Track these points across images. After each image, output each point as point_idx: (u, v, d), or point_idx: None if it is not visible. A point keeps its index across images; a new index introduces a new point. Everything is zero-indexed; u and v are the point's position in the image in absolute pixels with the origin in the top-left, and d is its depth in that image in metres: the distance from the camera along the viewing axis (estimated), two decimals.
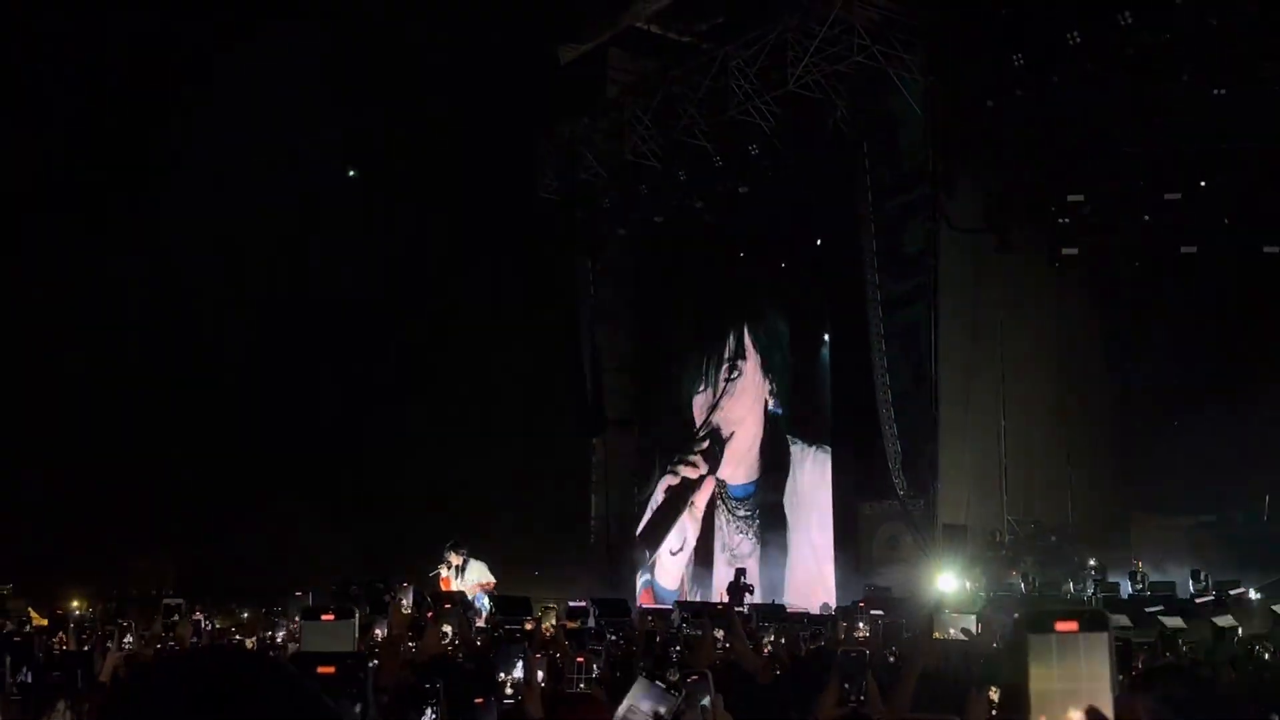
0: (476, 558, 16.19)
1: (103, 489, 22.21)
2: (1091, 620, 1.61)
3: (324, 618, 2.70)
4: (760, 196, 21.98)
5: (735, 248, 23.48)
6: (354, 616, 2.72)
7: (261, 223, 22.99)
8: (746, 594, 18.49)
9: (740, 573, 19.15)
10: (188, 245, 22.84)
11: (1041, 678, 1.60)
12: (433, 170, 23.43)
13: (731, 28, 21.20)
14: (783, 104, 20.40)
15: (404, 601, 6.85)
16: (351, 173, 25.35)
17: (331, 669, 2.08)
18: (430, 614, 8.86)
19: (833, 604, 18.71)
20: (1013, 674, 1.62)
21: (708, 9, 22.41)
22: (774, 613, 15.60)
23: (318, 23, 21.85)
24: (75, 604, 17.52)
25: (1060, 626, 1.65)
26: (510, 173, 24.19)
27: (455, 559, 15.93)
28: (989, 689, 3.74)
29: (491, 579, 16.12)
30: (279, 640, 9.29)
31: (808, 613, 17.77)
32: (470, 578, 15.91)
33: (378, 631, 6.30)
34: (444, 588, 15.92)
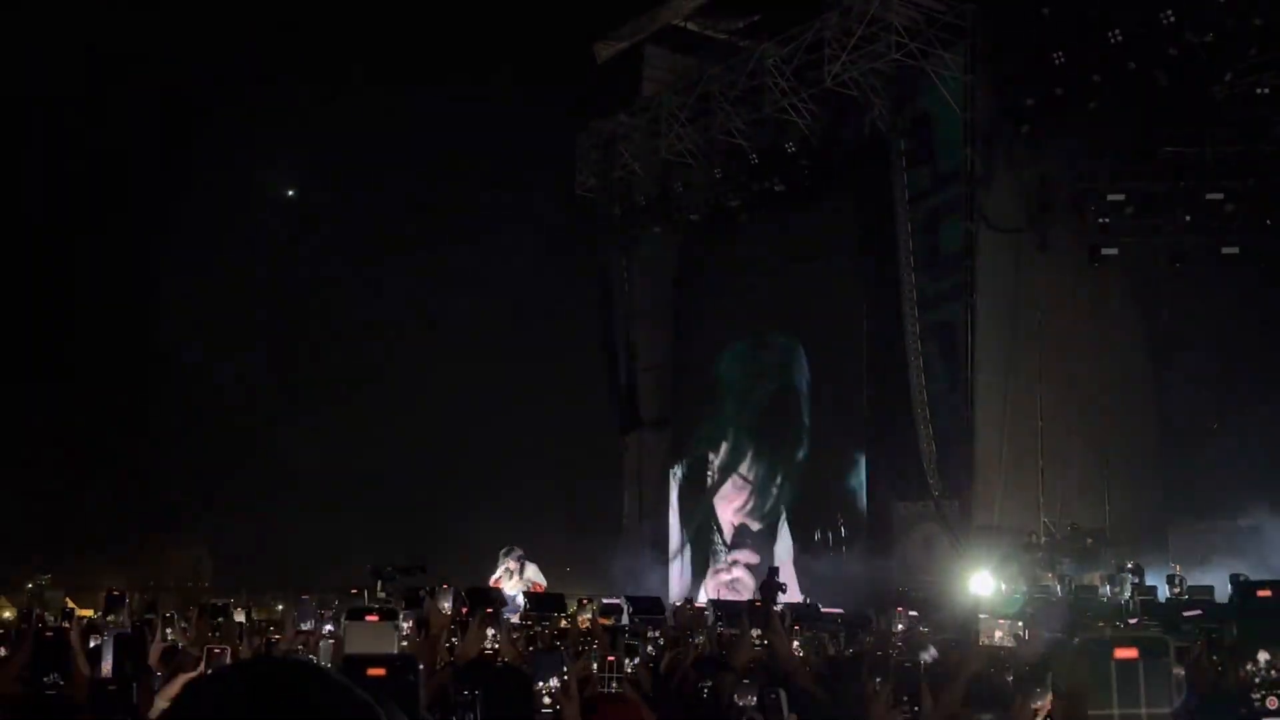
0: (531, 559, 16.51)
1: (140, 482, 22.43)
2: (1152, 646, 1.53)
3: (368, 618, 2.71)
4: (796, 195, 21.91)
5: (770, 246, 23.40)
6: (398, 617, 2.74)
7: (281, 224, 23.19)
8: (780, 592, 18.40)
9: (774, 571, 19.07)
10: (220, 240, 23.07)
11: (1100, 704, 1.55)
12: (470, 167, 23.50)
13: (769, 25, 21.14)
14: (820, 102, 20.34)
15: (444, 604, 6.84)
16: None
17: (382, 671, 2.08)
18: (465, 609, 8.88)
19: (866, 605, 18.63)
20: (1069, 701, 1.57)
21: (746, 6, 22.36)
22: (807, 612, 15.53)
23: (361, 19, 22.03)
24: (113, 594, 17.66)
25: (1120, 654, 1.58)
26: (547, 169, 24.25)
27: (512, 564, 16.29)
28: (1035, 694, 3.73)
29: (542, 581, 16.38)
30: (324, 633, 9.27)
31: (841, 612, 17.70)
32: (529, 576, 16.28)
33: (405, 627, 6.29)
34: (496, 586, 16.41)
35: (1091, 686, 1.60)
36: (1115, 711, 1.58)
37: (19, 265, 22.57)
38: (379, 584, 12.88)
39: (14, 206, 22.29)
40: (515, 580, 16.25)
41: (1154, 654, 1.68)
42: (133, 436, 23.00)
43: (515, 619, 12.16)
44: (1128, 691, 1.59)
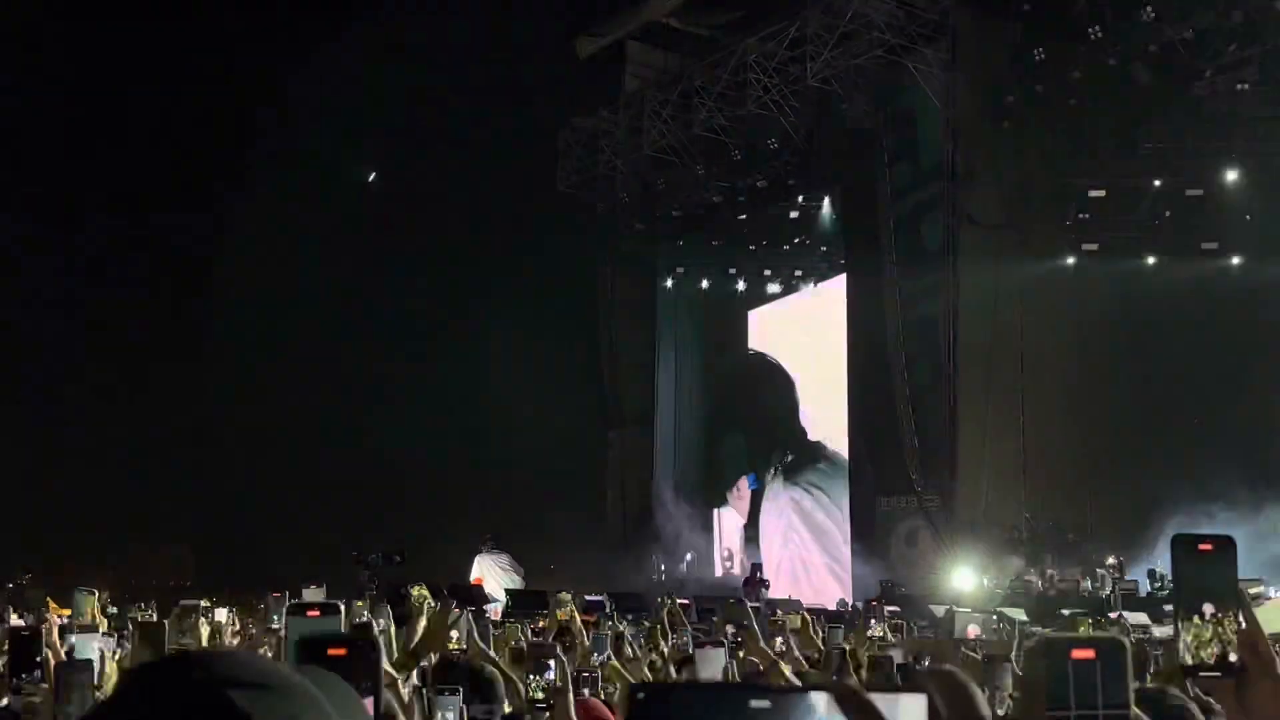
0: (487, 553, 16.86)
1: (122, 481, 22.34)
2: (1109, 648, 1.51)
3: (309, 614, 2.67)
4: (779, 191, 21.93)
5: (752, 241, 23.42)
6: (340, 613, 2.70)
7: (278, 222, 23.13)
8: (763, 589, 18.45)
9: (756, 567, 19.13)
10: (211, 248, 23.09)
11: (1057, 704, 1.54)
12: (452, 164, 23.43)
13: (751, 22, 21.14)
14: (802, 98, 20.34)
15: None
16: (371, 176, 25.43)
17: (342, 650, 2.03)
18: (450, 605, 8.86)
19: (849, 600, 18.68)
20: (1026, 699, 1.56)
21: (727, 3, 22.35)
22: (791, 608, 15.52)
23: (351, 27, 22.04)
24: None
25: (1076, 655, 1.56)
26: (530, 166, 24.19)
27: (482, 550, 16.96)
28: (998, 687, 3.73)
29: (481, 576, 16.79)
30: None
31: (825, 609, 17.75)
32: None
33: (380, 622, 6.24)
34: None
35: (1049, 687, 1.59)
36: (1072, 713, 1.57)
37: (11, 267, 22.49)
38: (364, 572, 12.96)
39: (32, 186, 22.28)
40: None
41: (1112, 655, 1.67)
42: (115, 435, 22.90)
43: (495, 616, 12.15)
44: (1085, 693, 1.58)
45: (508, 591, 15.10)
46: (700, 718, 0.85)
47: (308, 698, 1.26)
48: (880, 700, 0.82)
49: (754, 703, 0.87)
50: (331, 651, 1.98)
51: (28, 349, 22.57)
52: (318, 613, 2.63)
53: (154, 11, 21.71)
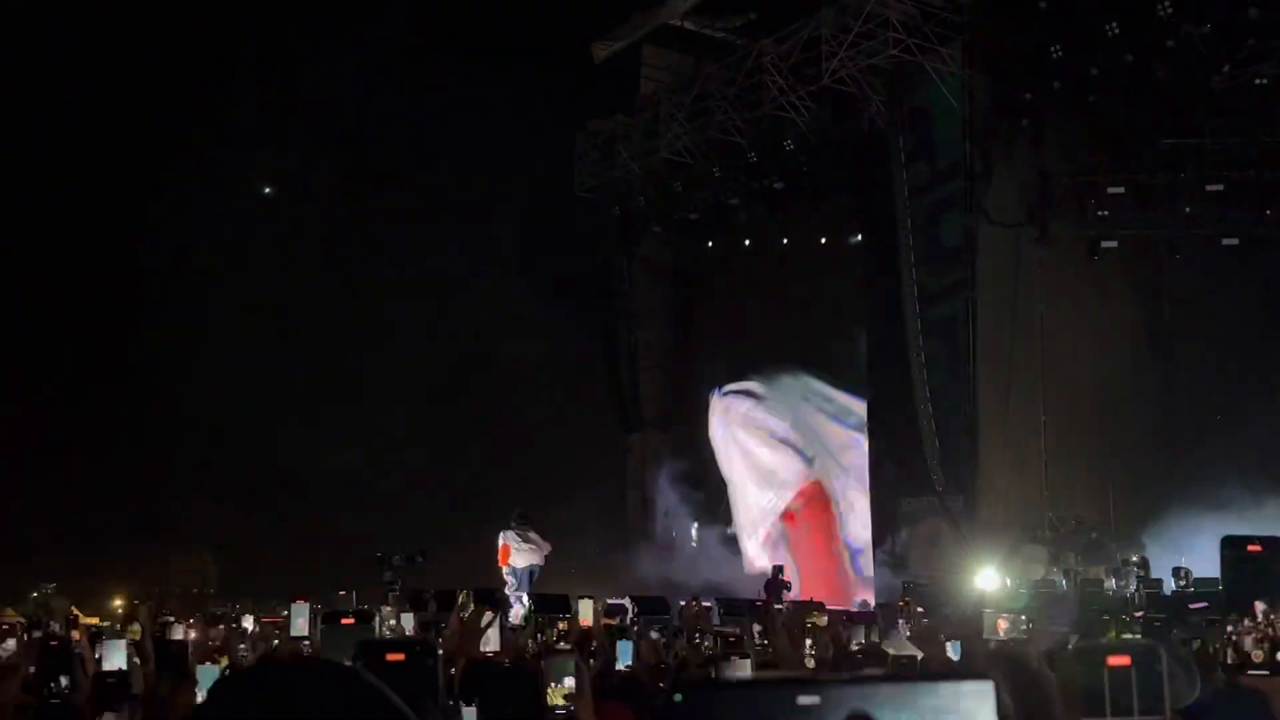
0: (509, 527, 17.25)
1: (143, 488, 22.45)
2: (1145, 654, 1.51)
3: (343, 621, 2.69)
4: (795, 192, 21.91)
5: (771, 244, 23.40)
6: (374, 620, 2.73)
7: (283, 228, 23.25)
8: (785, 590, 18.42)
9: (778, 569, 19.09)
10: (214, 241, 23.18)
11: (1093, 711, 1.53)
12: (470, 168, 23.49)
13: (766, 23, 21.15)
14: (818, 99, 20.32)
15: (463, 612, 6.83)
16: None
17: (401, 656, 2.06)
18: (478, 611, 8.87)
19: (871, 601, 18.66)
20: (1062, 705, 1.56)
21: (742, 5, 22.36)
22: (813, 610, 15.49)
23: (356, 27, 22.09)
24: (118, 603, 17.66)
25: (1112, 661, 1.56)
26: (546, 170, 24.25)
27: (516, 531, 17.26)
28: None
29: (504, 545, 17.07)
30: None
31: (847, 610, 17.72)
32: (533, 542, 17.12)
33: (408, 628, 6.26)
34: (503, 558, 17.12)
35: (1084, 693, 1.58)
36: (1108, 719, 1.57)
37: (11, 274, 22.61)
38: (384, 572, 13.01)
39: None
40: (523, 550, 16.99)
41: (1146, 661, 1.66)
42: (135, 444, 23.02)
43: (517, 619, 12.16)
44: (1120, 699, 1.57)
45: (531, 595, 15.10)
46: (744, 718, 0.77)
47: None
48: (943, 688, 0.77)
49: (802, 699, 0.78)
50: (390, 657, 2.01)
51: (41, 356, 22.71)
52: (352, 620, 2.65)
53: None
